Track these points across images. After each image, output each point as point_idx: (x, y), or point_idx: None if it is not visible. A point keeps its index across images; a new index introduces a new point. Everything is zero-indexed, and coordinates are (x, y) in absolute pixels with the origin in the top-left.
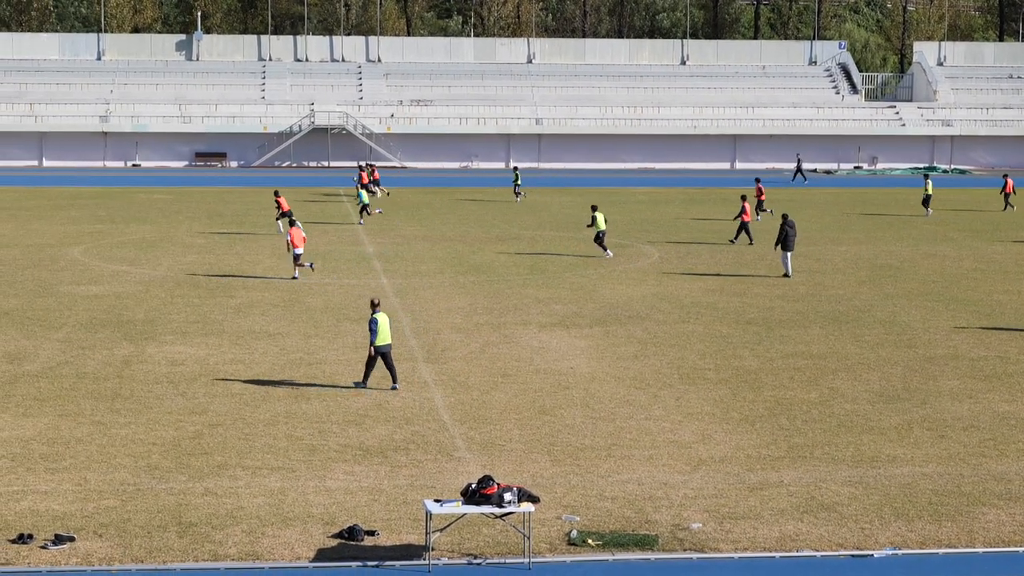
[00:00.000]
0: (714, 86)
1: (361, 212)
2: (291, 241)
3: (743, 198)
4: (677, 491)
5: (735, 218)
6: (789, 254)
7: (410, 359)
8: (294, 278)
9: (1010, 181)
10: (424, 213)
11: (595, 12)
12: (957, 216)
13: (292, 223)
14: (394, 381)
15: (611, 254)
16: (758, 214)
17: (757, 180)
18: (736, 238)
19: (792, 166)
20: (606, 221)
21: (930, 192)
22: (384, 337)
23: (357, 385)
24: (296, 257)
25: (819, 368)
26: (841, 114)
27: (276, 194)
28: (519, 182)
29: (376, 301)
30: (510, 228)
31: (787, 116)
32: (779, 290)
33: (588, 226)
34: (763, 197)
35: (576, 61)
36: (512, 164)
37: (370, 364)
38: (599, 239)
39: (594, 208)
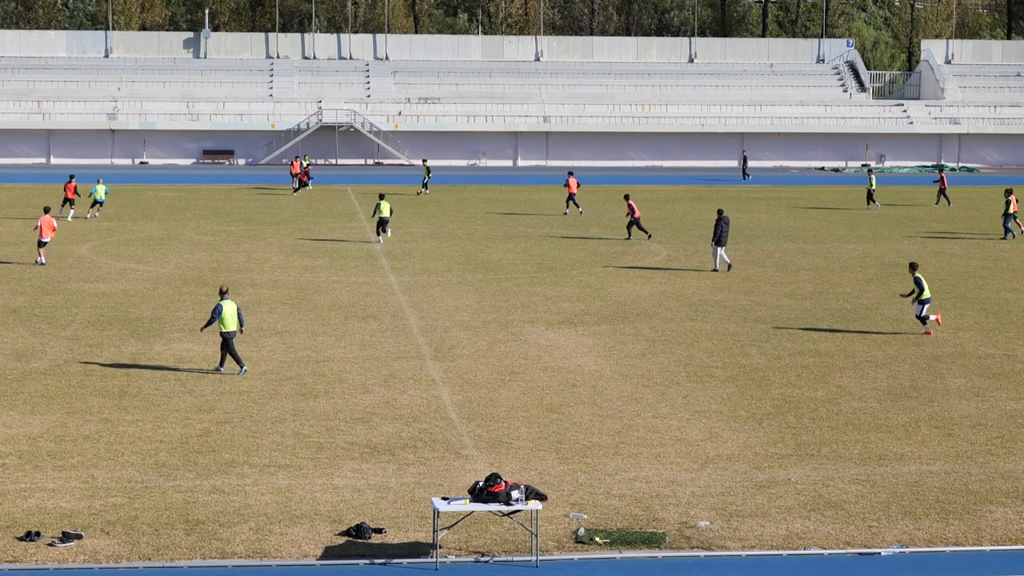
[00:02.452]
0: (722, 84)
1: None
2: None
3: (627, 197)
4: (684, 489)
5: (626, 215)
6: (722, 249)
7: (418, 357)
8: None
9: (944, 176)
10: (431, 211)
11: (603, 10)
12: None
13: (46, 210)
14: (238, 363)
15: (382, 241)
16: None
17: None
18: (629, 236)
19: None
20: (391, 211)
21: (874, 187)
22: (228, 324)
23: (217, 370)
24: (41, 244)
25: (826, 366)
26: (849, 112)
27: (71, 178)
28: (428, 176)
29: (224, 288)
30: (518, 226)
31: (795, 114)
32: (787, 288)
33: (372, 215)
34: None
35: (584, 59)
36: (423, 158)
37: (224, 350)
38: (382, 224)
39: (381, 196)
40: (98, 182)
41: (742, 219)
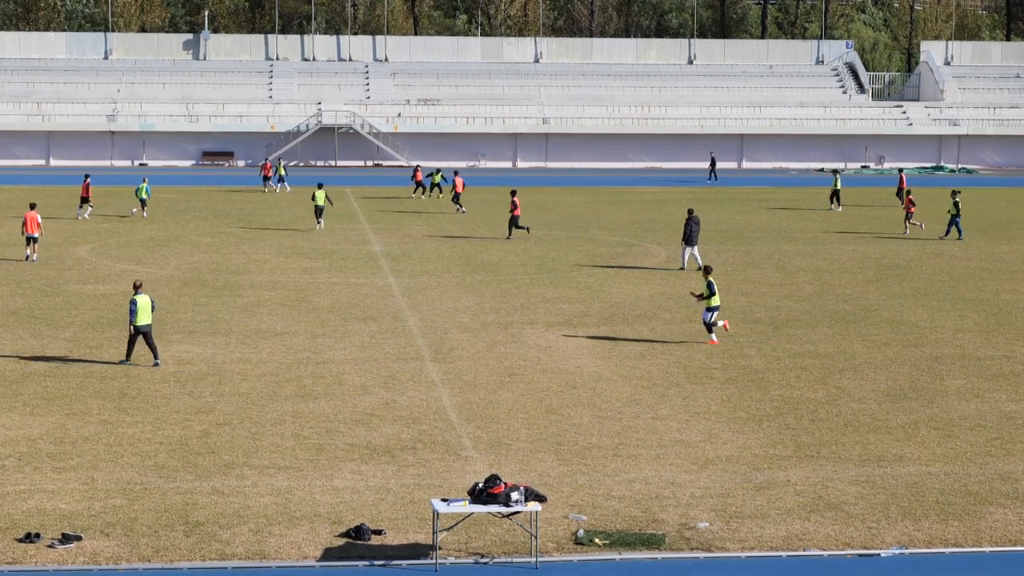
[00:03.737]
0: (721, 85)
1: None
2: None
3: (513, 193)
4: (684, 490)
5: (511, 212)
6: (690, 249)
7: (417, 358)
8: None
9: (904, 177)
10: (431, 212)
11: (602, 11)
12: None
13: (32, 206)
14: (155, 358)
15: (322, 225)
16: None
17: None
18: (510, 235)
19: (706, 164)
20: (327, 199)
21: (839, 188)
22: (143, 317)
23: (122, 362)
24: (30, 240)
25: (826, 367)
26: (848, 113)
27: (86, 177)
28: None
29: (138, 283)
30: (517, 228)
31: (794, 115)
32: (786, 289)
33: (312, 199)
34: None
35: (583, 60)
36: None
37: (131, 342)
38: (318, 212)
39: (319, 185)
40: (143, 181)
41: (733, 221)
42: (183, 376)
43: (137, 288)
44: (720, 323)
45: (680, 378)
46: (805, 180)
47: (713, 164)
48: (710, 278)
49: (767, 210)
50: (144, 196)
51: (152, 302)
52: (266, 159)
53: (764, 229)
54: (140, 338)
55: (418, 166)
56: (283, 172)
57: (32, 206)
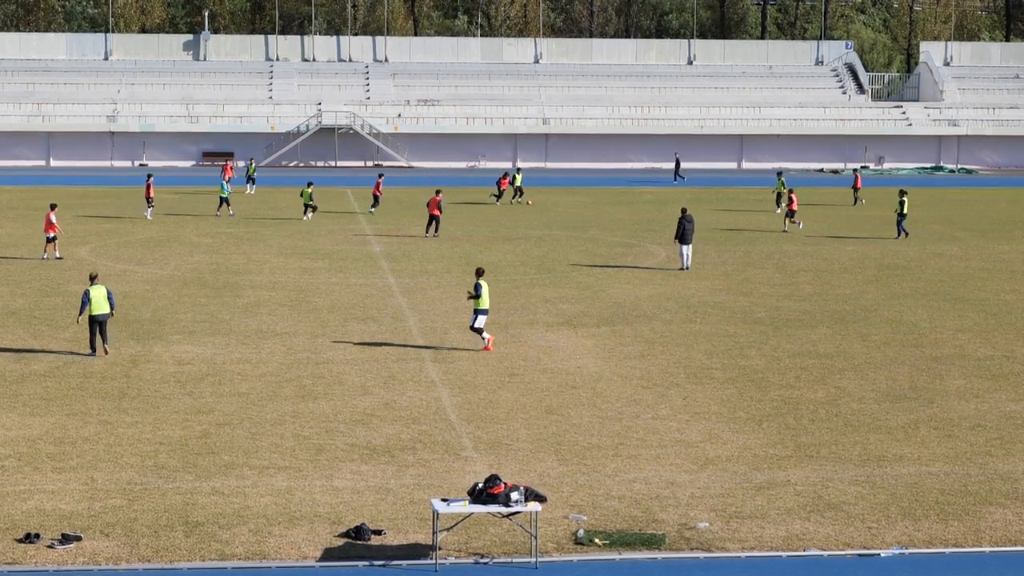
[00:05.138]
0: (721, 86)
1: (220, 204)
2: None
3: (437, 192)
4: (684, 490)
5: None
6: (686, 247)
7: (417, 359)
8: (55, 258)
9: (859, 176)
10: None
11: (602, 12)
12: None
13: (52, 207)
14: (103, 342)
15: (309, 217)
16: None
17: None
18: (428, 231)
19: (671, 165)
20: (312, 197)
21: (782, 191)
22: (97, 308)
23: (90, 355)
24: (50, 240)
25: (826, 367)
26: (848, 114)
27: (149, 177)
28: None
29: (94, 275)
30: (517, 228)
31: (794, 116)
32: (786, 289)
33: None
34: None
35: (583, 61)
36: (516, 164)
37: (92, 333)
38: (310, 209)
39: (253, 169)
40: (225, 180)
41: (732, 221)
42: (183, 376)
43: (93, 279)
44: (486, 336)
45: (680, 378)
46: (805, 180)
47: (678, 164)
48: (480, 280)
49: (765, 211)
50: (224, 194)
51: (109, 293)
52: (226, 161)
53: (763, 229)
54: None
55: (505, 173)
56: (252, 172)
57: (52, 206)
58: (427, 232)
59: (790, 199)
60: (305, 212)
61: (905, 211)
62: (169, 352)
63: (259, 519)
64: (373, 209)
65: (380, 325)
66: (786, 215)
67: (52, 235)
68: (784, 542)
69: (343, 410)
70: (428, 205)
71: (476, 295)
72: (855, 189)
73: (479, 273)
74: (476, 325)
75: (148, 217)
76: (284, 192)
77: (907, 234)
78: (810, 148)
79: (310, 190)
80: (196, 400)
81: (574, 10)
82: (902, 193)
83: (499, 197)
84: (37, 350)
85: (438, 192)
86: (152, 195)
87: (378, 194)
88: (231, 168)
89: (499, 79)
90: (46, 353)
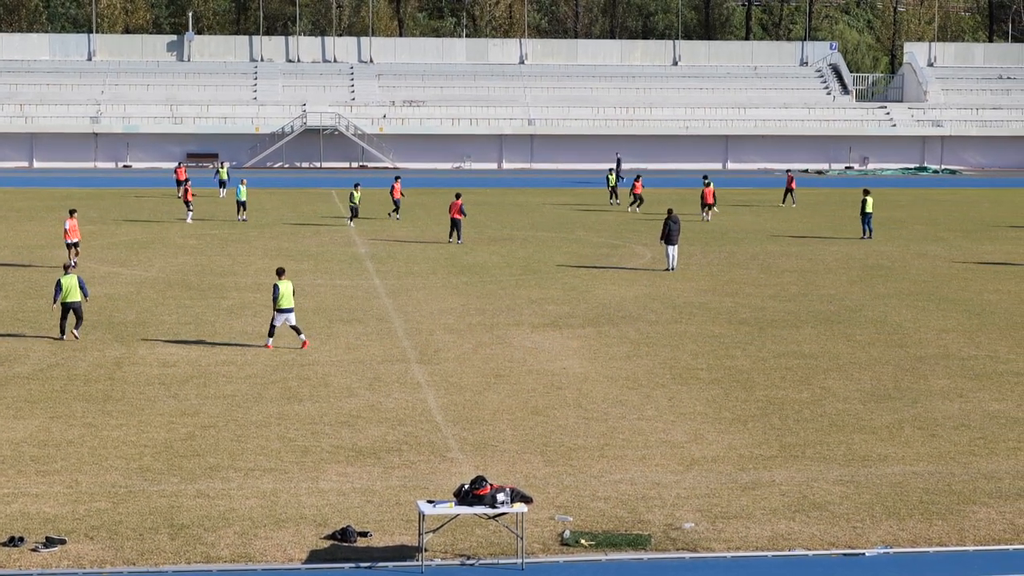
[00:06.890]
0: (706, 87)
1: (238, 209)
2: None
3: (457, 196)
4: (670, 491)
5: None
6: (672, 248)
7: (403, 360)
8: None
9: (792, 177)
10: (416, 214)
11: (588, 13)
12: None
13: (72, 212)
14: (75, 327)
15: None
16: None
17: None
18: (451, 237)
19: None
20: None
21: (614, 184)
22: (68, 295)
23: (60, 338)
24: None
25: (811, 368)
26: (832, 114)
27: (187, 181)
28: (618, 176)
29: (67, 265)
30: (502, 229)
31: (778, 116)
32: (771, 290)
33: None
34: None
35: (568, 61)
36: (617, 156)
37: (63, 318)
38: (242, 208)
39: (225, 172)
40: (242, 183)
41: (718, 222)
42: (168, 378)
43: (66, 270)
44: (301, 337)
45: (665, 379)
46: (621, 182)
47: (618, 165)
48: (278, 281)
49: (751, 211)
50: (243, 198)
51: (81, 281)
52: (179, 163)
53: (748, 230)
54: (71, 313)
55: (638, 176)
56: (224, 176)
57: (71, 212)
58: (450, 238)
59: (864, 200)
60: (352, 218)
61: (869, 210)
62: (154, 354)
63: (245, 521)
64: (398, 215)
65: (366, 327)
66: (864, 215)
67: (74, 240)
68: (769, 542)
69: (328, 412)
70: (450, 209)
71: (275, 297)
72: (788, 191)
73: (279, 272)
74: (276, 322)
75: (188, 221)
76: (270, 193)
77: (871, 233)
78: (795, 149)
79: (359, 194)
80: (181, 402)
81: (559, 11)
82: (865, 192)
83: (639, 202)
84: (20, 353)
85: (458, 196)
86: (191, 198)
87: (398, 198)
88: (184, 170)
89: (484, 80)
90: (30, 356)
